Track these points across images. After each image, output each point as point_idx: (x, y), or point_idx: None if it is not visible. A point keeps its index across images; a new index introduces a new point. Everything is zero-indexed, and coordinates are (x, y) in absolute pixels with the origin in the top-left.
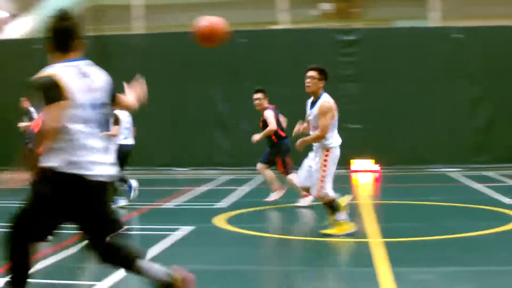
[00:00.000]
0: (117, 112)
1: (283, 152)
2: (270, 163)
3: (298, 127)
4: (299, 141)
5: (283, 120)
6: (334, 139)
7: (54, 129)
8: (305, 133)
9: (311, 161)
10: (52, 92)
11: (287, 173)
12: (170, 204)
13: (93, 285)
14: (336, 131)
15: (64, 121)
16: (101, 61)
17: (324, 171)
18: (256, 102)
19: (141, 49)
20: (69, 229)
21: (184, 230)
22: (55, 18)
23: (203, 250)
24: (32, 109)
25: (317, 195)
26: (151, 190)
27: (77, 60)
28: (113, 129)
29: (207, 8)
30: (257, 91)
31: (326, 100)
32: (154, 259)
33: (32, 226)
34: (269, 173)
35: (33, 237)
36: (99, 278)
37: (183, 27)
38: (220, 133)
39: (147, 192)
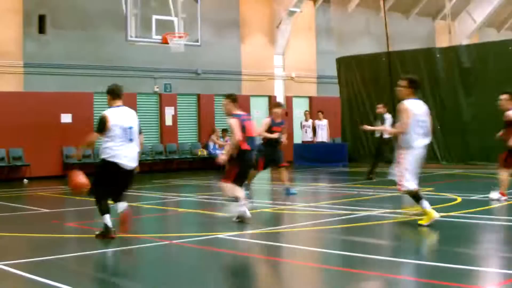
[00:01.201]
0: None
1: None
2: None
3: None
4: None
5: None
6: (410, 140)
7: None
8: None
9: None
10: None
11: None
12: None
13: None
14: (414, 134)
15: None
16: None
17: (400, 168)
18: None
19: None
20: None
21: None
22: None
23: None
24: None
25: (398, 189)
26: None
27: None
28: None
29: None
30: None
31: (403, 102)
32: None
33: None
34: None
35: None
36: None
37: None
38: None
39: None
